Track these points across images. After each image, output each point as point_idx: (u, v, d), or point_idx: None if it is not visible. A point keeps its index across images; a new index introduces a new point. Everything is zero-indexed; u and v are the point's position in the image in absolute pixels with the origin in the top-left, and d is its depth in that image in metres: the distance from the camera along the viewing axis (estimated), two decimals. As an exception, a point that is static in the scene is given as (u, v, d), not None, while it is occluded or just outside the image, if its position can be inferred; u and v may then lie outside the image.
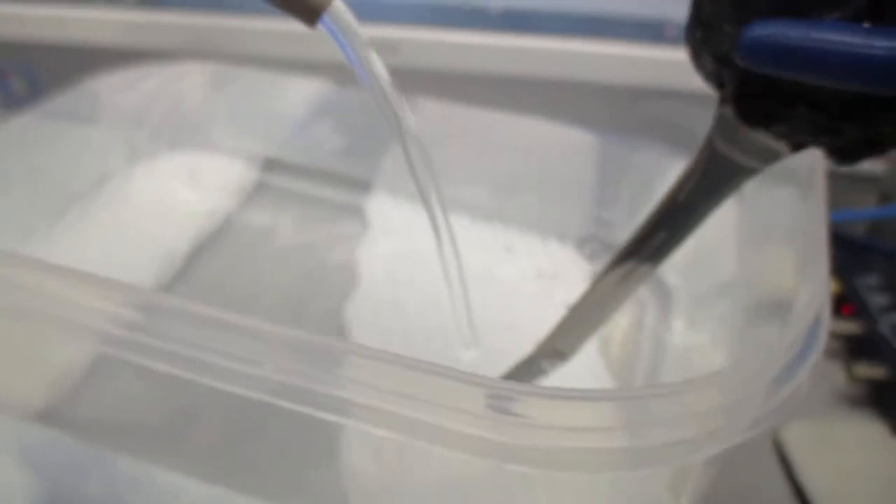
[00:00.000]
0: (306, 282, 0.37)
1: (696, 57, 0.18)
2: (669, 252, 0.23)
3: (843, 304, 0.41)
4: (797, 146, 0.19)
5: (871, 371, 0.37)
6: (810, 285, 0.20)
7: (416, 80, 0.42)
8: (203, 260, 0.39)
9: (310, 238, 0.40)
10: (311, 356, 0.16)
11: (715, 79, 0.18)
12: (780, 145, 0.19)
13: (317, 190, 0.43)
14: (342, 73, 0.42)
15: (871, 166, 0.45)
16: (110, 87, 0.42)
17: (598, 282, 0.24)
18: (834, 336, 0.40)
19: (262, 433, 0.22)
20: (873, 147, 0.18)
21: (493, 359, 0.28)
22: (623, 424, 0.14)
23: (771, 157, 0.19)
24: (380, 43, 0.44)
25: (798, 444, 0.35)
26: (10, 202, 0.38)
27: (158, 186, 0.41)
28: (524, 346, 0.33)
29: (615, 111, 0.41)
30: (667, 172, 0.38)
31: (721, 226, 0.25)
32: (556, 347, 0.25)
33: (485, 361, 0.27)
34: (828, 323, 0.18)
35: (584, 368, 0.30)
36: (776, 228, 0.28)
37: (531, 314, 0.34)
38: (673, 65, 0.40)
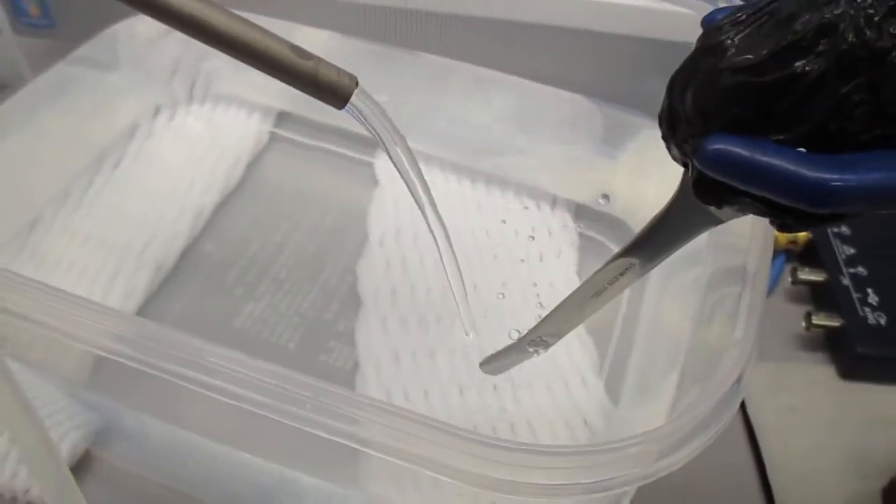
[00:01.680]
0: (321, 238, 0.41)
1: (666, 141, 0.21)
2: (652, 266, 0.26)
3: (812, 251, 0.45)
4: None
5: (828, 320, 0.41)
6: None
7: (422, 24, 0.44)
8: (225, 215, 0.41)
9: (323, 194, 0.43)
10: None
11: (680, 161, 0.21)
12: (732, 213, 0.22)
13: (328, 145, 0.45)
14: (351, 25, 0.44)
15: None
16: (130, 34, 0.43)
17: (584, 284, 0.28)
18: (800, 283, 0.43)
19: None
20: (812, 226, 0.21)
21: (488, 337, 0.32)
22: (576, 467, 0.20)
23: (729, 217, 0.23)
24: (388, -14, 0.44)
25: (752, 383, 0.39)
26: (48, 153, 0.41)
27: (181, 140, 0.43)
28: (514, 313, 0.37)
29: (616, 63, 0.42)
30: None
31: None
32: (542, 337, 0.29)
33: (481, 342, 0.32)
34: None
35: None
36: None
37: (523, 281, 0.38)
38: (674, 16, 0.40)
